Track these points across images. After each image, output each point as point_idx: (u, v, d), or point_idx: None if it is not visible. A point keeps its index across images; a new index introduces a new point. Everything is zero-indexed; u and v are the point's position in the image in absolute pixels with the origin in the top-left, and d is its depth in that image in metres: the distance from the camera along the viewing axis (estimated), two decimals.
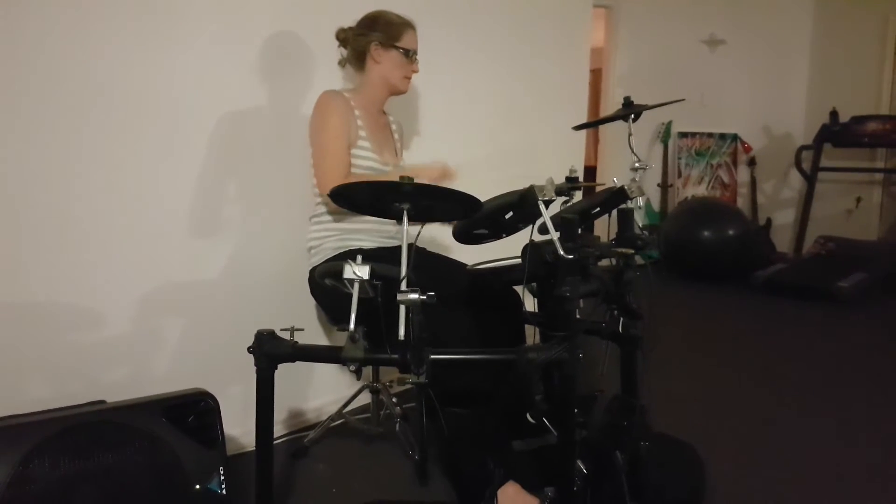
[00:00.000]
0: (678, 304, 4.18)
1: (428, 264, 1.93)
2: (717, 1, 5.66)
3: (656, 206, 5.67)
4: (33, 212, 1.61)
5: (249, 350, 1.43)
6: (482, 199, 1.44)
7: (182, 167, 1.88)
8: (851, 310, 3.97)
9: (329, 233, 1.93)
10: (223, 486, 1.55)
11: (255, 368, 1.44)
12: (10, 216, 1.58)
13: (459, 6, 2.74)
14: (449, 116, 2.74)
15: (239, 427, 1.98)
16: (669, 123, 5.63)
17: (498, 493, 1.56)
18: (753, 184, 5.79)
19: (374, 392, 2.08)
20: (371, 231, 1.95)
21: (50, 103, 1.62)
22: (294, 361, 1.45)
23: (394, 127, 2.17)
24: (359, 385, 2.15)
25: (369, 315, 1.40)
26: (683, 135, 5.74)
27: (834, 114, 5.27)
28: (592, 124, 2.12)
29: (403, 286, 1.31)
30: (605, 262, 1.62)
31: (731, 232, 4.68)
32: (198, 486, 1.51)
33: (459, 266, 1.98)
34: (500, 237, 1.82)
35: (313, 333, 2.26)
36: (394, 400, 2.13)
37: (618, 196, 1.70)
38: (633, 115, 1.80)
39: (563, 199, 1.69)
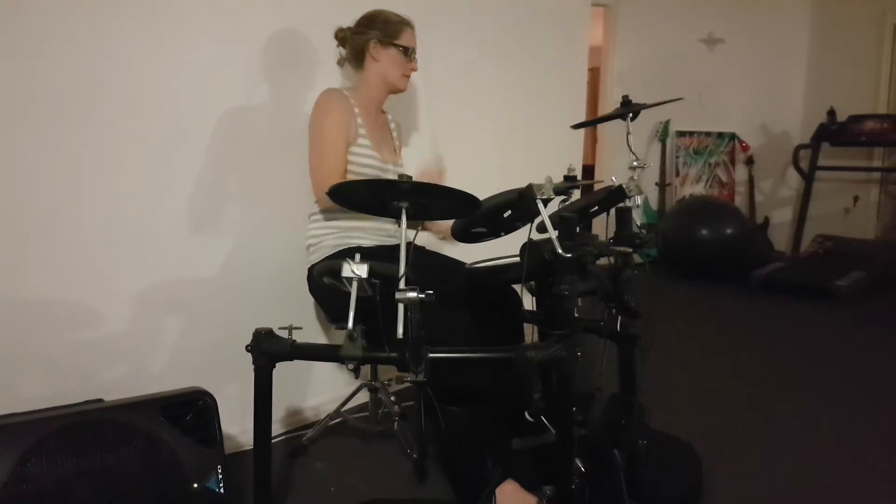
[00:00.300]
0: (676, 303, 4.19)
1: (427, 263, 1.93)
2: (716, 0, 5.66)
3: (654, 204, 5.68)
4: (32, 210, 1.61)
5: (247, 348, 1.43)
6: (481, 197, 1.44)
7: (181, 165, 1.88)
8: (849, 308, 3.97)
9: (328, 231, 1.93)
10: (221, 485, 1.54)
11: (253, 367, 1.44)
12: (8, 214, 1.58)
13: (458, 5, 2.74)
14: (447, 115, 2.74)
15: (237, 426, 1.98)
16: (667, 122, 5.63)
17: (496, 492, 1.56)
18: (751, 183, 5.80)
19: (373, 390, 2.08)
20: (370, 229, 1.95)
21: (49, 102, 1.61)
22: (292, 360, 1.45)
23: (392, 126, 2.17)
24: (357, 383, 2.15)
25: (368, 313, 1.40)
26: (681, 134, 5.74)
27: (831, 113, 5.27)
28: (591, 123, 2.12)
29: (402, 285, 1.31)
30: (603, 261, 1.62)
31: (728, 231, 4.69)
32: (196, 485, 1.51)
33: (458, 264, 1.98)
34: (498, 235, 1.83)
35: (312, 332, 2.26)
36: (392, 398, 2.13)
37: (616, 195, 1.70)
38: (631, 114, 1.80)
39: (562, 197, 1.69)
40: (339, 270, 1.36)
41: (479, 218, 1.62)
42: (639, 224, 1.74)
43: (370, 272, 1.36)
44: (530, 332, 2.06)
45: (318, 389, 2.30)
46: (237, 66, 1.98)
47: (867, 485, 1.84)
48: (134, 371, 1.82)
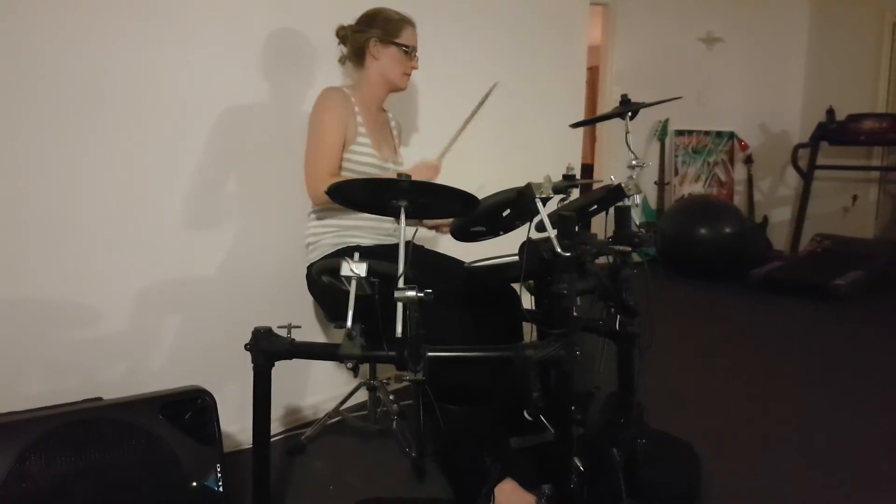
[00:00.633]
0: (675, 302, 4.19)
1: (425, 261, 1.93)
2: None
3: (653, 203, 5.68)
4: (31, 209, 1.61)
5: (246, 347, 1.43)
6: (480, 196, 1.44)
7: (180, 164, 1.88)
8: (847, 307, 3.98)
9: (327, 229, 1.93)
10: (220, 484, 1.55)
11: (252, 365, 1.44)
12: (8, 213, 1.57)
13: (457, 4, 2.73)
14: (446, 114, 2.73)
15: (236, 424, 1.98)
16: (666, 121, 5.63)
17: (495, 490, 1.56)
18: (750, 182, 5.80)
19: (372, 389, 2.08)
20: (369, 228, 1.95)
21: (49, 102, 1.61)
22: (291, 359, 1.45)
23: (392, 124, 2.17)
24: (356, 382, 2.15)
25: (367, 312, 1.40)
26: (680, 133, 5.74)
27: (830, 112, 5.27)
28: (590, 122, 2.12)
29: (401, 283, 1.31)
30: (602, 260, 1.63)
31: (727, 230, 4.69)
32: (194, 484, 1.51)
33: (457, 263, 1.98)
34: (497, 234, 1.83)
35: (310, 331, 2.26)
36: (391, 397, 2.13)
37: (615, 194, 1.70)
38: (630, 113, 1.80)
39: (561, 196, 1.69)
40: (338, 269, 1.36)
41: (478, 217, 1.62)
42: (637, 223, 1.74)
43: (369, 271, 1.36)
44: (529, 331, 2.06)
45: (317, 388, 2.31)
46: (237, 66, 1.98)
47: (867, 484, 1.84)
48: (133, 370, 1.82)
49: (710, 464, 1.85)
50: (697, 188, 5.78)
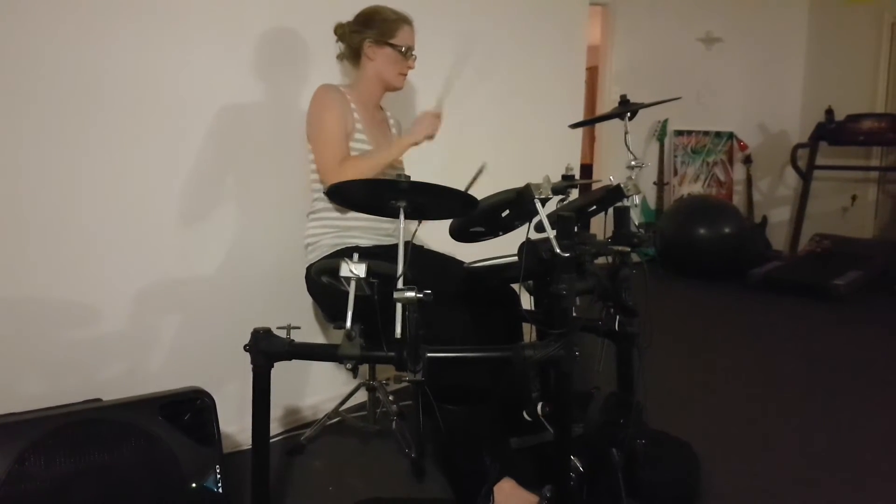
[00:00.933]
0: (674, 302, 4.19)
1: (425, 262, 1.93)
2: None
3: (652, 203, 5.68)
4: (31, 209, 1.61)
5: (246, 348, 1.43)
6: (479, 196, 1.44)
7: (178, 164, 1.88)
8: (847, 307, 3.98)
9: (326, 230, 1.93)
10: (219, 485, 1.54)
11: (251, 366, 1.43)
12: (7, 213, 1.57)
13: (456, 4, 2.73)
14: (445, 114, 2.73)
15: (235, 425, 1.98)
16: (665, 121, 5.63)
17: (494, 490, 1.56)
18: (749, 182, 5.80)
19: (371, 390, 2.08)
20: (368, 228, 1.94)
21: (48, 102, 1.61)
22: (290, 359, 1.45)
23: (391, 122, 2.17)
24: (355, 383, 2.15)
25: (366, 313, 1.40)
26: (679, 133, 5.74)
27: (829, 112, 5.28)
28: (589, 122, 2.12)
29: (400, 284, 1.31)
30: (601, 260, 1.63)
31: (726, 230, 4.69)
32: (194, 485, 1.51)
33: (456, 263, 1.98)
34: (496, 235, 1.83)
35: (310, 331, 2.26)
36: (390, 397, 2.13)
37: (614, 194, 1.71)
38: (629, 114, 1.80)
39: (560, 197, 1.69)
40: (338, 270, 1.36)
41: (477, 217, 1.62)
42: (637, 223, 1.74)
43: (368, 271, 1.36)
44: (529, 332, 2.06)
45: (317, 389, 2.31)
46: (235, 65, 1.98)
47: (866, 484, 1.84)
48: (132, 370, 1.82)
49: (709, 464, 1.85)
50: (697, 188, 5.78)
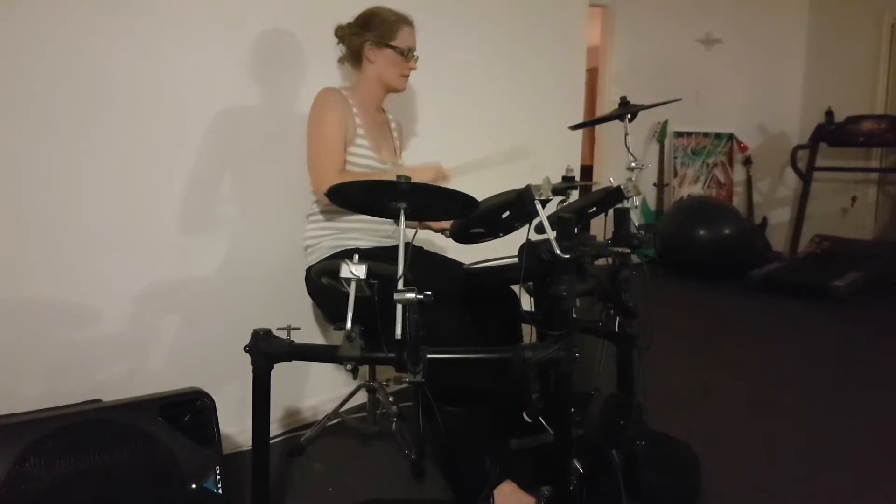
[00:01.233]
0: (674, 303, 4.19)
1: (425, 263, 1.93)
2: (714, 0, 5.67)
3: (652, 205, 5.68)
4: (29, 210, 1.61)
5: (246, 349, 1.43)
6: (479, 198, 1.44)
7: (179, 165, 1.88)
8: (846, 308, 3.98)
9: (325, 231, 1.93)
10: (219, 485, 1.54)
11: (251, 367, 1.44)
12: (7, 214, 1.57)
13: (456, 5, 2.74)
14: (446, 116, 2.74)
15: (235, 426, 1.98)
16: (665, 123, 5.63)
17: (494, 492, 1.56)
18: (749, 183, 5.81)
19: (371, 391, 2.08)
20: (367, 230, 1.95)
21: (48, 103, 1.61)
22: (290, 360, 1.45)
23: (393, 125, 2.16)
24: (355, 384, 2.15)
25: (366, 314, 1.40)
26: (679, 134, 5.75)
27: (829, 113, 5.28)
28: (589, 124, 2.12)
29: (400, 285, 1.31)
30: (601, 261, 1.63)
31: (726, 231, 4.69)
32: (194, 485, 1.51)
33: (456, 265, 1.98)
34: (497, 236, 1.83)
35: (310, 332, 2.26)
36: (390, 399, 2.13)
37: (614, 195, 1.71)
38: (629, 115, 1.80)
39: (560, 198, 1.69)
40: (338, 271, 1.36)
41: (477, 218, 1.62)
42: (637, 224, 1.74)
43: (368, 273, 1.36)
44: (529, 333, 2.06)
45: (317, 390, 2.31)
46: (234, 67, 1.98)
47: (866, 485, 1.84)
48: (132, 371, 1.82)
49: (709, 464, 1.85)
50: (696, 189, 5.78)
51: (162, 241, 1.86)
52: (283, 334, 1.46)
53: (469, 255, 1.95)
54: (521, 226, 1.72)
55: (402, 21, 1.94)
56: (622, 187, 1.69)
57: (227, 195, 2.00)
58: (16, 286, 1.60)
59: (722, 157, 5.83)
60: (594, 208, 1.79)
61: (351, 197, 1.48)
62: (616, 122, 1.87)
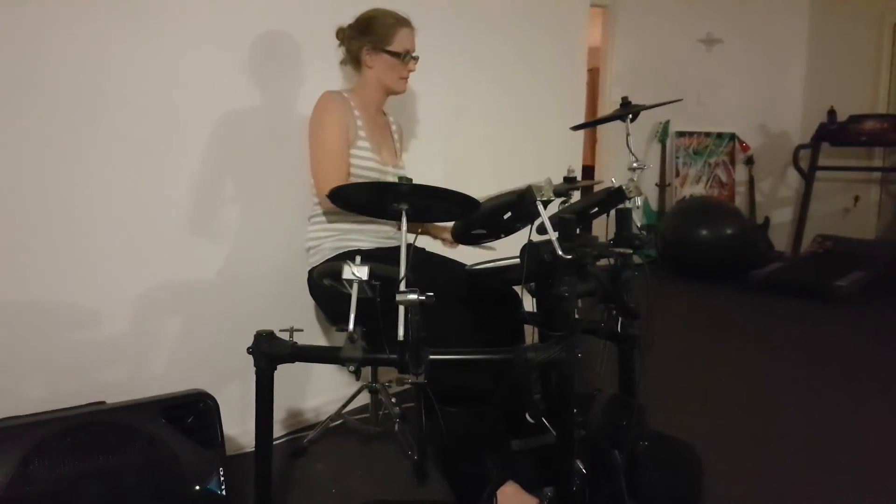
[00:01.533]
0: (676, 304, 4.19)
1: (426, 264, 1.93)
2: (715, 0, 5.66)
3: (654, 205, 5.68)
4: (31, 212, 1.61)
5: (249, 351, 1.43)
6: (480, 198, 1.44)
7: (180, 167, 1.88)
8: (849, 308, 3.97)
9: (327, 233, 1.94)
10: (222, 487, 1.55)
11: (254, 369, 1.44)
12: (7, 216, 1.58)
13: (457, 6, 2.74)
14: (447, 117, 2.74)
15: (238, 427, 1.98)
16: (667, 123, 5.63)
17: (497, 493, 1.56)
18: (751, 183, 5.80)
19: (373, 392, 2.09)
20: (369, 231, 1.95)
21: (47, 104, 1.62)
22: (293, 362, 1.45)
23: (393, 128, 2.17)
24: (358, 385, 2.15)
25: (368, 315, 1.41)
26: (681, 134, 5.74)
27: (831, 113, 5.27)
28: (590, 124, 2.12)
29: (402, 286, 1.32)
30: (603, 262, 1.63)
31: (728, 231, 4.69)
32: (197, 487, 1.51)
33: (458, 266, 1.98)
34: (498, 237, 1.83)
35: (312, 334, 2.26)
36: (392, 400, 2.13)
37: (616, 196, 1.71)
38: (630, 115, 1.80)
39: (562, 199, 1.69)
40: (340, 272, 1.37)
41: (478, 219, 1.62)
42: (638, 225, 1.74)
43: (370, 274, 1.36)
44: (531, 334, 2.07)
45: (319, 391, 2.31)
46: (235, 68, 1.99)
47: (869, 484, 1.84)
48: (135, 373, 1.83)
49: (711, 465, 1.85)
50: (698, 189, 5.78)
51: (164, 243, 1.86)
52: (285, 336, 1.46)
53: (471, 256, 1.95)
54: (523, 227, 1.72)
55: (400, 24, 1.93)
56: (624, 188, 1.69)
57: (229, 197, 2.00)
58: (19, 289, 1.61)
59: (724, 157, 5.83)
60: (596, 209, 1.79)
61: (353, 199, 1.48)
62: (617, 123, 1.87)
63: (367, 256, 1.41)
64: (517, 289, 1.98)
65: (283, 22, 2.09)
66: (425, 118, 2.63)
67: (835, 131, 5.25)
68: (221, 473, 1.55)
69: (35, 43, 1.59)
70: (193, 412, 1.57)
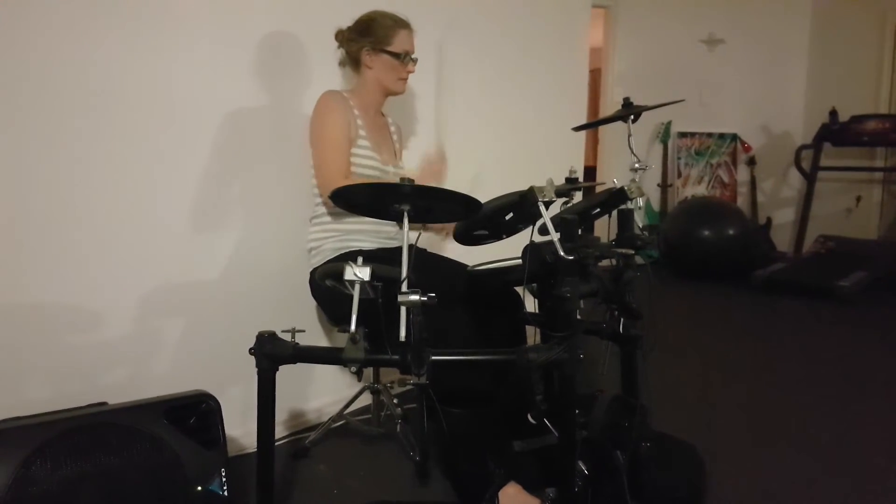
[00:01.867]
0: (678, 304, 4.19)
1: (428, 265, 1.94)
2: (716, 1, 5.66)
3: (656, 206, 5.68)
4: (33, 213, 1.62)
5: (251, 351, 1.43)
6: (482, 199, 1.44)
7: (181, 168, 1.88)
8: (851, 309, 3.97)
9: (329, 234, 1.94)
10: (224, 488, 1.55)
11: (256, 370, 1.44)
12: (9, 217, 1.58)
13: (458, 7, 2.74)
14: (448, 118, 2.74)
15: (240, 428, 1.99)
16: (669, 123, 5.63)
17: (499, 494, 1.56)
18: (753, 183, 5.80)
19: (375, 393, 2.09)
20: (371, 232, 1.95)
21: (48, 104, 1.62)
22: (295, 363, 1.45)
23: (392, 129, 2.17)
24: (360, 386, 2.15)
25: (370, 316, 1.41)
26: (683, 135, 5.74)
27: (833, 113, 5.27)
28: (592, 125, 2.12)
29: (404, 287, 1.32)
30: (605, 263, 1.63)
31: (730, 231, 4.69)
32: (199, 488, 1.51)
33: (460, 267, 1.98)
34: (500, 238, 1.83)
35: (314, 335, 2.27)
36: (395, 401, 2.13)
37: (618, 196, 1.71)
38: (632, 116, 1.80)
39: (563, 199, 1.69)
40: (342, 273, 1.37)
41: (480, 220, 1.62)
42: (640, 225, 1.74)
43: (372, 275, 1.36)
44: (532, 335, 2.06)
45: (321, 392, 2.31)
46: (237, 70, 1.99)
47: (870, 485, 1.83)
48: (137, 374, 1.83)
49: (714, 466, 1.85)
50: (700, 190, 5.77)
51: (166, 244, 1.86)
52: (287, 337, 1.46)
53: (472, 256, 1.95)
54: (525, 227, 1.72)
55: (400, 25, 1.94)
56: (626, 188, 1.69)
57: (230, 198, 2.01)
58: (20, 290, 1.61)
59: (725, 158, 5.83)
60: (598, 209, 1.79)
61: (354, 199, 1.49)
62: (619, 123, 1.87)
63: (369, 257, 1.41)
64: (519, 289, 1.98)
65: (287, 23, 2.09)
66: (426, 119, 2.63)
67: (837, 131, 5.25)
68: (223, 474, 1.55)
69: (35, 42, 1.59)
70: (195, 413, 1.57)
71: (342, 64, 2.07)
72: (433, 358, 1.36)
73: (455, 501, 1.71)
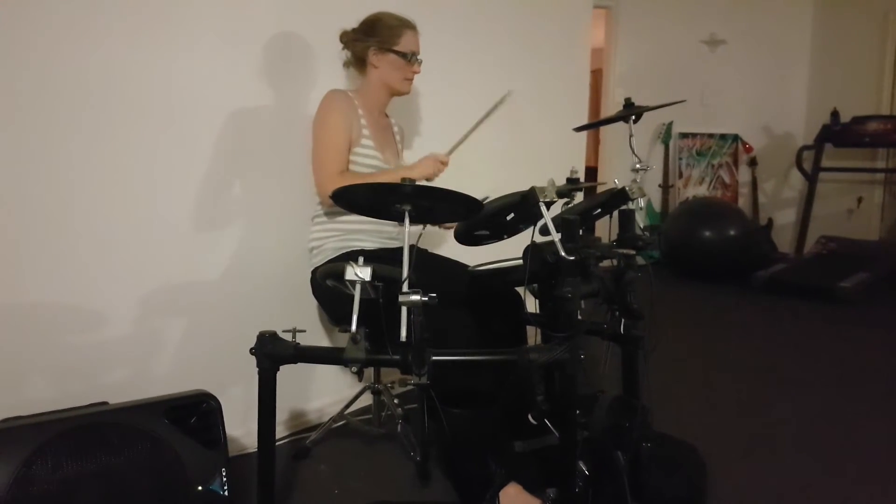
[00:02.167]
0: (679, 305, 4.18)
1: (429, 265, 1.94)
2: (717, 1, 5.66)
3: (657, 206, 5.67)
4: (33, 214, 1.62)
5: (251, 351, 1.43)
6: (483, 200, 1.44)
7: (183, 168, 1.89)
8: (853, 310, 3.96)
9: (330, 233, 1.94)
10: (225, 487, 1.55)
11: (256, 369, 1.44)
12: (9, 218, 1.58)
13: (460, 7, 2.74)
14: (449, 118, 2.73)
15: (241, 428, 1.99)
16: (670, 124, 5.63)
17: (500, 494, 1.56)
18: (754, 184, 5.79)
19: (376, 393, 2.09)
20: (372, 232, 1.95)
21: (48, 104, 1.62)
22: (296, 363, 1.45)
23: (395, 129, 2.17)
24: (360, 386, 2.15)
25: (371, 316, 1.41)
26: (684, 135, 5.74)
27: (835, 114, 5.26)
28: (593, 125, 2.12)
29: (405, 287, 1.32)
30: (606, 263, 1.63)
31: (732, 232, 4.68)
32: (200, 488, 1.51)
33: (461, 267, 1.98)
34: (501, 238, 1.83)
35: (315, 334, 2.27)
36: (395, 401, 2.13)
37: (619, 197, 1.70)
38: (633, 117, 1.80)
39: (564, 200, 1.69)
40: (343, 273, 1.37)
41: (481, 221, 1.62)
42: (641, 226, 1.74)
43: (373, 275, 1.36)
44: (533, 335, 2.06)
45: (322, 392, 2.31)
46: (239, 70, 1.99)
47: (871, 486, 1.83)
48: (138, 374, 1.83)
49: (715, 467, 1.84)
50: (701, 190, 5.77)
51: (167, 244, 1.86)
52: (288, 336, 1.46)
53: (473, 257, 1.95)
54: (526, 228, 1.72)
55: (405, 26, 1.95)
56: (627, 189, 1.68)
57: (232, 198, 2.01)
58: (21, 290, 1.61)
59: (727, 158, 5.82)
60: (599, 210, 1.79)
61: (355, 199, 1.49)
62: (620, 124, 1.87)
63: (370, 257, 1.42)
64: (520, 290, 1.98)
65: (291, 23, 2.09)
66: (428, 119, 2.63)
67: (838, 132, 5.24)
68: (224, 474, 1.55)
69: (35, 42, 1.59)
70: (196, 413, 1.57)
71: (347, 65, 2.08)
72: (434, 358, 1.36)
73: (456, 502, 1.71)
